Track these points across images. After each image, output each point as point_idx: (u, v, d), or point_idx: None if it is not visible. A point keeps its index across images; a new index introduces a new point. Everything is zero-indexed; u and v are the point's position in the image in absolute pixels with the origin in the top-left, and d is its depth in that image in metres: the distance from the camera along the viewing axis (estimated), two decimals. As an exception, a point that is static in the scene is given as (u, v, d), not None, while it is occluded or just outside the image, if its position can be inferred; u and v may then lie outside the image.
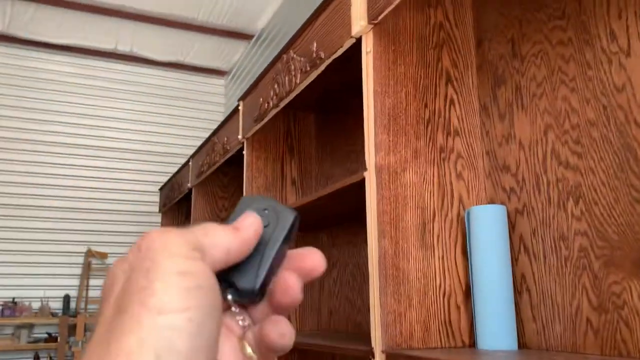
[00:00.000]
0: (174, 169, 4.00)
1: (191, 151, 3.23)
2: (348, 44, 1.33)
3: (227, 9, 4.25)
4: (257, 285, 0.31)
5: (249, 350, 0.31)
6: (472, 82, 1.34)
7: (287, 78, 1.67)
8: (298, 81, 1.59)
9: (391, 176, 1.19)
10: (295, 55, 1.62)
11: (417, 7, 1.31)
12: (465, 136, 1.30)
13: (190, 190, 2.96)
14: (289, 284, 0.31)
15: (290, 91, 1.65)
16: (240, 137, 2.12)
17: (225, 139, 2.38)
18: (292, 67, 1.63)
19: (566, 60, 1.09)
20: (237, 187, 3.05)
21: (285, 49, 1.70)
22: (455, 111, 1.30)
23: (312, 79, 1.52)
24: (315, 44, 1.49)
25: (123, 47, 4.65)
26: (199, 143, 3.21)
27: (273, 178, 2.14)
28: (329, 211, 1.70)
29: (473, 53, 1.35)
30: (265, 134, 2.12)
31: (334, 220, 1.87)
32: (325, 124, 2.15)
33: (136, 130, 4.86)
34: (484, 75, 1.32)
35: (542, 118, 1.14)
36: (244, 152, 2.10)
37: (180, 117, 5.10)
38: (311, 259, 0.32)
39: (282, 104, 1.73)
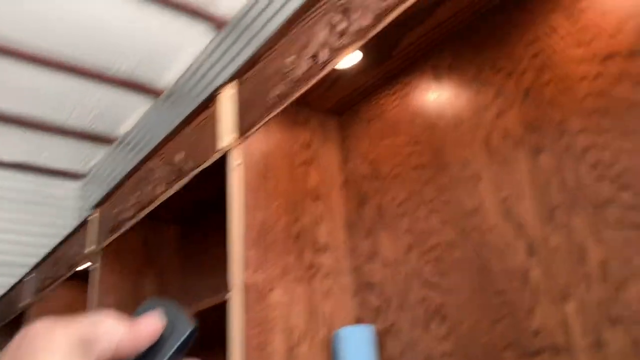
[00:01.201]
0: (14, 281, 3.48)
1: (35, 261, 2.87)
2: (216, 156, 1.30)
3: (87, 113, 4.08)
4: None
5: None
6: (339, 200, 1.36)
7: (149, 187, 1.58)
8: (161, 191, 1.50)
9: (258, 296, 1.12)
10: (160, 164, 1.55)
11: (286, 124, 1.33)
12: (333, 252, 1.29)
13: (26, 307, 2.58)
14: None
15: (152, 201, 1.55)
16: (92, 248, 1.92)
17: (74, 250, 2.15)
18: (156, 176, 1.55)
19: (423, 183, 1.15)
20: (84, 305, 2.72)
21: (149, 157, 1.63)
22: (323, 228, 1.30)
23: (175, 190, 1.45)
24: (182, 154, 1.44)
25: (-33, 147, 4.20)
26: (45, 252, 2.87)
27: (128, 294, 1.94)
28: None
29: (339, 172, 1.39)
30: (121, 245, 1.94)
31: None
32: (190, 236, 2.04)
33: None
34: (350, 193, 1.35)
35: (405, 237, 1.17)
36: (95, 266, 1.90)
37: (27, 222, 4.59)
38: None
39: (142, 214, 1.61)
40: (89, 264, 1.97)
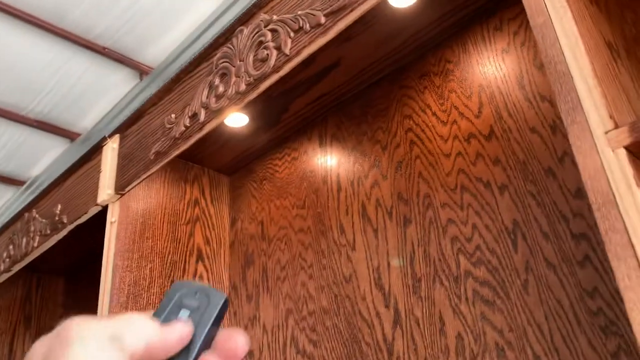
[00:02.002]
0: None
1: None
2: (93, 211, 1.23)
3: None
4: None
5: None
6: (224, 260, 1.32)
7: (24, 239, 1.47)
8: (36, 244, 1.40)
9: (121, 364, 1.04)
10: (37, 216, 1.45)
11: (172, 180, 1.30)
12: (213, 317, 1.24)
13: None
14: None
15: (26, 254, 1.44)
16: (-41, 303, 1.75)
17: (-58, 304, 1.94)
18: (32, 229, 1.45)
19: (305, 247, 1.15)
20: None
21: (27, 208, 1.52)
22: (204, 290, 1.25)
23: (52, 244, 1.35)
24: (59, 207, 1.36)
25: None
26: None
27: (-3, 356, 1.76)
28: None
29: (227, 231, 1.36)
30: (-4, 300, 1.78)
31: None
32: (76, 291, 1.91)
33: None
34: (236, 254, 1.32)
35: (284, 302, 1.14)
36: (-39, 323, 1.72)
37: None
38: (234, 340, 0.32)
39: (15, 268, 1.49)
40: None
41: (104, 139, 1.27)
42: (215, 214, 1.36)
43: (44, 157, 4.00)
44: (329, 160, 1.17)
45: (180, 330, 0.31)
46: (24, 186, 4.30)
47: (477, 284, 0.84)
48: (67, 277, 1.96)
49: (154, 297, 1.15)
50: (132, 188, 1.16)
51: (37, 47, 3.09)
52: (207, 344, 0.33)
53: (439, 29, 1.01)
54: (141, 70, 3.41)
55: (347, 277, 1.04)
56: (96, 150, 1.29)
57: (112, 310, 1.07)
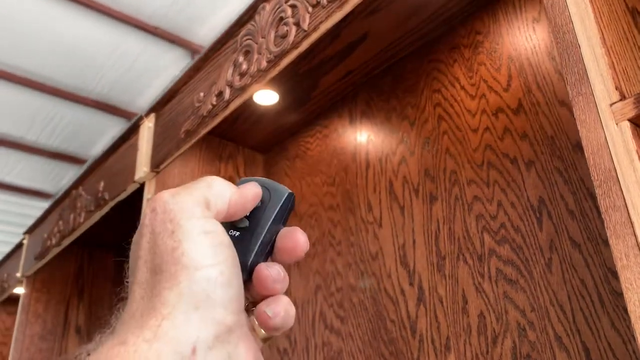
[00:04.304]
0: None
1: None
2: (132, 188, 1.28)
3: (59, 132, 4.03)
4: (249, 259, 0.31)
5: (256, 322, 0.30)
6: (258, 237, 1.35)
7: (71, 215, 1.55)
8: (82, 220, 1.47)
9: (157, 334, 1.09)
10: (83, 193, 1.52)
11: (207, 158, 1.32)
12: (246, 291, 1.27)
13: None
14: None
15: (74, 230, 1.51)
16: (19, 275, 1.87)
17: (5, 275, 2.08)
18: (79, 205, 1.52)
19: (334, 224, 1.15)
20: (23, 329, 2.63)
21: (75, 185, 1.60)
22: (237, 265, 1.28)
23: (95, 220, 1.42)
24: (102, 184, 1.42)
25: (-63, 163, 4.10)
26: None
27: (53, 324, 1.87)
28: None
29: (260, 208, 1.38)
30: (51, 273, 1.89)
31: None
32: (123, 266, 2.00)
33: None
34: (269, 231, 1.34)
35: (314, 278, 1.16)
36: (21, 293, 1.84)
37: None
38: (295, 238, 0.32)
39: (65, 243, 1.58)
40: (21, 289, 1.91)
41: (141, 118, 1.31)
42: (249, 191, 1.38)
43: (103, 137, 4.18)
44: (358, 137, 1.16)
45: (253, 189, 0.32)
46: (85, 165, 4.50)
47: (501, 262, 0.82)
48: (116, 252, 2.05)
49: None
50: (166, 166, 1.19)
51: (94, 29, 3.18)
52: (272, 237, 0.32)
53: (468, -1, 0.97)
54: (193, 50, 3.45)
55: (373, 255, 1.03)
56: (134, 129, 1.34)
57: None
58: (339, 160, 1.20)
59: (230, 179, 1.35)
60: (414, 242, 0.96)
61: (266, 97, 1.20)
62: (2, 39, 3.17)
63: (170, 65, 3.53)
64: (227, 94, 0.99)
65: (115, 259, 2.06)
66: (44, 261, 1.70)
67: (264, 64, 0.90)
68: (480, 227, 0.86)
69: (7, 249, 4.53)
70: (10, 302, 2.52)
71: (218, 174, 1.34)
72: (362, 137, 1.15)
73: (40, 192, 4.72)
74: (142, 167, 1.23)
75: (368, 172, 1.11)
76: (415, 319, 0.92)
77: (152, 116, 1.27)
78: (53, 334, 1.86)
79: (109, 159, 1.44)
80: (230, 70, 1.00)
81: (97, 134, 4.10)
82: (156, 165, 1.20)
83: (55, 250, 1.62)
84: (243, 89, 0.96)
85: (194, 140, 1.09)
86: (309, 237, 1.19)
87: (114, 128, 4.05)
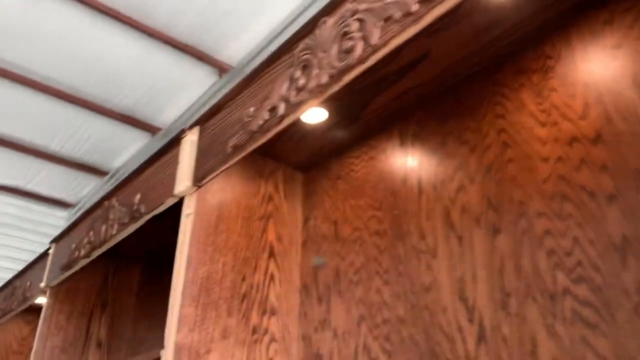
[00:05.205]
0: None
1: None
2: (170, 202, 1.23)
3: (83, 143, 4.05)
4: None
5: None
6: (296, 259, 1.29)
7: (103, 227, 1.51)
8: (114, 232, 1.43)
9: (191, 359, 1.03)
10: (116, 204, 1.49)
11: (248, 175, 1.28)
12: (283, 317, 1.21)
13: (-23, 338, 2.45)
14: None
15: (105, 242, 1.48)
16: (43, 284, 1.83)
17: (28, 284, 2.05)
18: (111, 217, 1.48)
19: (381, 250, 1.09)
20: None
21: (108, 196, 1.56)
22: (275, 288, 1.22)
23: (129, 232, 1.38)
24: (138, 196, 1.38)
25: (-42, 166, 4.13)
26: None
27: (75, 337, 1.83)
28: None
29: (300, 229, 1.33)
30: (76, 283, 1.85)
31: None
32: (151, 280, 1.95)
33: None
34: (308, 254, 1.29)
35: (357, 308, 1.09)
36: (44, 303, 1.80)
37: (7, 246, 4.44)
38: None
39: (94, 255, 1.54)
40: (43, 299, 1.87)
41: (182, 132, 1.27)
42: (288, 212, 1.33)
43: (126, 150, 4.17)
44: (409, 161, 1.11)
45: None
46: (107, 176, 4.50)
47: (577, 303, 0.75)
48: (143, 266, 2.01)
49: (226, 291, 1.14)
50: (209, 181, 1.15)
51: (125, 42, 3.20)
52: None
53: (539, 21, 0.92)
54: (220, 68, 3.46)
55: (426, 286, 0.97)
56: (175, 142, 1.30)
57: (184, 303, 1.07)
58: (387, 183, 1.14)
59: (270, 197, 1.30)
60: (473, 275, 0.90)
61: (314, 114, 1.16)
62: (34, 49, 3.20)
63: (196, 83, 3.53)
64: (281, 109, 0.95)
65: (141, 274, 2.02)
66: (70, 272, 1.67)
67: (325, 78, 0.86)
68: (552, 263, 0.80)
69: (20, 255, 4.53)
70: (28, 312, 2.48)
71: (258, 191, 1.29)
72: (414, 161, 1.10)
73: (61, 201, 4.73)
74: (184, 181, 1.19)
75: (421, 198, 1.05)
76: (475, 358, 0.85)
77: (196, 129, 1.23)
78: (74, 346, 1.81)
79: (146, 172, 1.41)
80: (286, 85, 0.96)
81: (120, 147, 4.11)
82: (199, 179, 1.16)
83: (84, 262, 1.59)
84: (299, 104, 0.92)
85: (241, 156, 1.04)
86: (352, 263, 1.14)
87: (137, 142, 4.06)
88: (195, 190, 1.17)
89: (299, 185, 1.38)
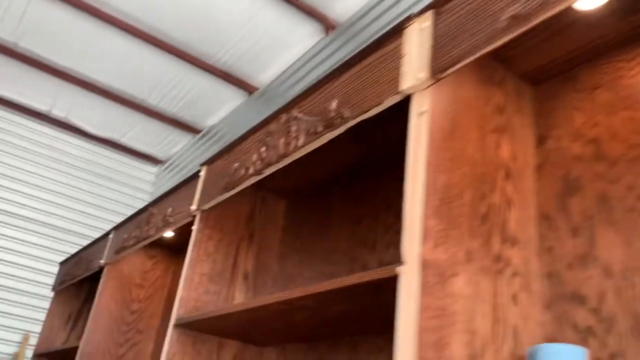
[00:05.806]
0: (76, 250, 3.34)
1: (100, 234, 2.73)
2: (391, 101, 1.03)
3: (180, 99, 3.99)
4: None
5: None
6: (532, 184, 1.06)
7: (281, 140, 1.34)
8: (300, 144, 1.25)
9: (439, 280, 0.83)
10: (301, 115, 1.31)
11: (478, 78, 1.05)
12: (523, 248, 0.99)
13: (102, 268, 2.42)
14: None
15: (284, 156, 1.30)
16: (193, 207, 1.71)
17: (170, 209, 1.95)
18: (294, 129, 1.31)
19: (691, 169, 0.83)
20: (160, 276, 2.54)
21: (285, 109, 1.39)
22: (514, 215, 1.00)
23: (322, 142, 1.19)
24: (335, 102, 1.19)
25: (58, 112, 4.18)
26: (109, 227, 2.75)
27: (223, 266, 1.71)
28: (297, 320, 1.28)
29: (534, 150, 1.09)
30: (226, 210, 1.72)
31: (295, 334, 1.44)
32: (297, 216, 1.79)
33: (46, 200, 4.21)
34: (548, 178, 1.05)
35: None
36: (194, 227, 1.68)
37: (99, 196, 4.51)
38: None
39: (267, 171, 1.37)
40: (186, 223, 1.76)
41: (406, 20, 1.06)
42: (520, 127, 1.10)
43: (221, 109, 4.05)
44: None
45: None
46: (199, 135, 4.42)
47: None
48: (288, 202, 1.86)
49: (466, 208, 0.93)
50: (450, 74, 0.93)
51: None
52: None
53: None
54: (328, 25, 3.20)
55: None
56: (390, 36, 1.09)
57: (427, 214, 0.86)
58: (686, 88, 0.88)
59: (501, 108, 1.07)
60: None
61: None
62: (144, 0, 3.12)
63: (300, 41, 3.32)
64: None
65: (287, 208, 1.87)
66: (231, 192, 1.52)
67: None
68: None
69: (115, 207, 4.55)
70: (152, 246, 2.42)
71: (490, 99, 1.06)
72: None
73: (152, 156, 4.73)
74: (416, 73, 0.98)
75: None
76: None
77: (429, 15, 1.01)
78: (221, 277, 1.69)
79: (343, 75, 1.21)
80: None
81: (216, 105, 4.00)
82: (440, 69, 0.94)
83: (252, 180, 1.43)
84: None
85: (523, 29, 0.81)
86: (634, 188, 0.89)
87: (233, 101, 3.93)
88: (432, 84, 0.96)
89: (529, 98, 1.14)
